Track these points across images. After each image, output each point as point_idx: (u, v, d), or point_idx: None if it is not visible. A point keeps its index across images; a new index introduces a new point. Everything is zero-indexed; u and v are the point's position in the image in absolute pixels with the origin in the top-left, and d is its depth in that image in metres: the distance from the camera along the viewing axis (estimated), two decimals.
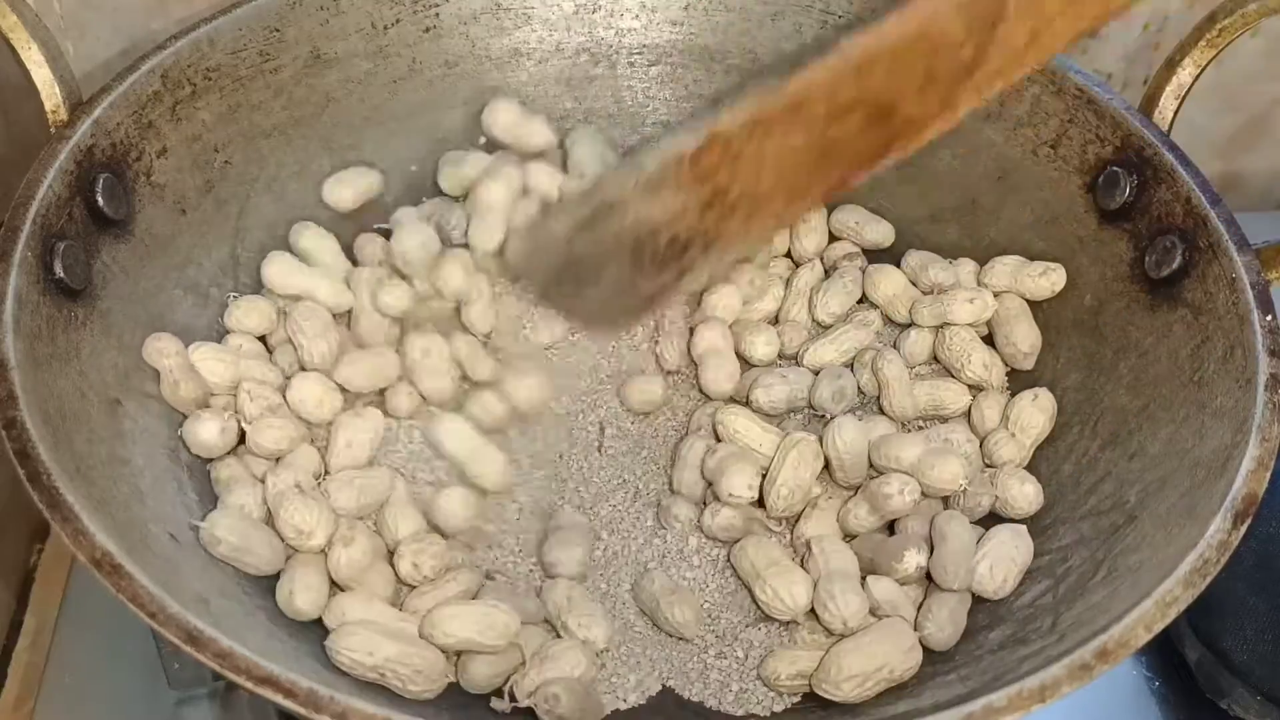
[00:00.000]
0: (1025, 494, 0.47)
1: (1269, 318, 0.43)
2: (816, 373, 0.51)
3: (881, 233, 0.56)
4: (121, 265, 0.46)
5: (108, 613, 0.51)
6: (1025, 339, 0.51)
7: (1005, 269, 0.52)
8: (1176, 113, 0.50)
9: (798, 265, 0.56)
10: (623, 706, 0.42)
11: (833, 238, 0.57)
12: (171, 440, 0.45)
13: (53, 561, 0.55)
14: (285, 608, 0.41)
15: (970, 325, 0.51)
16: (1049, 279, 0.51)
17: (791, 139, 0.35)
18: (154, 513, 0.40)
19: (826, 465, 0.47)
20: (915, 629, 0.42)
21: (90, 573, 0.34)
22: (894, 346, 0.52)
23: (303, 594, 0.41)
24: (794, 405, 0.50)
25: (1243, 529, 0.38)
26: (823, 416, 0.50)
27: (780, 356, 0.53)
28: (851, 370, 0.51)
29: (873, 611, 0.43)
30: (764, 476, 0.46)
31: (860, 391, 0.51)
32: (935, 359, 0.52)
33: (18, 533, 0.56)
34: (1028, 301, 0.52)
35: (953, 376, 0.51)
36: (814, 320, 0.54)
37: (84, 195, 0.44)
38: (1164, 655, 0.52)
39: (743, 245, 0.45)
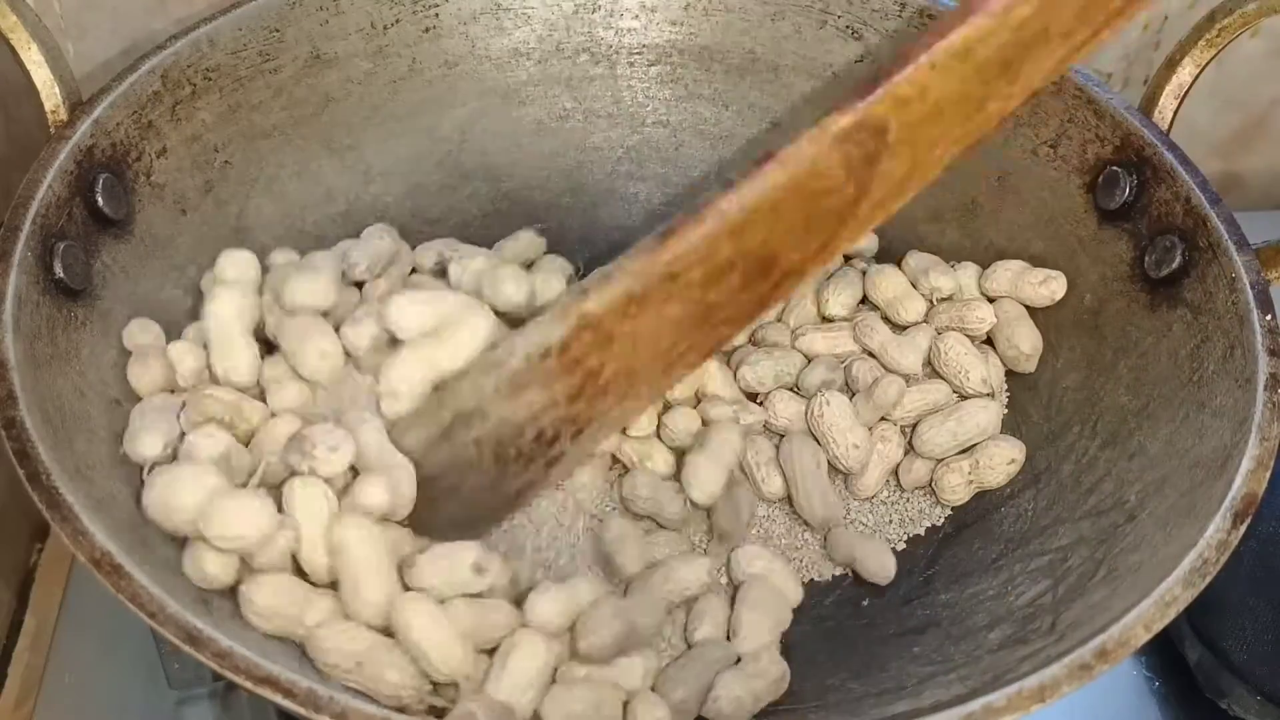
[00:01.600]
0: None
1: (1269, 317, 0.43)
2: (808, 359, 0.52)
3: (867, 241, 0.56)
4: (121, 265, 0.46)
5: (108, 613, 0.51)
6: (1027, 340, 0.51)
7: (1007, 275, 0.52)
8: (1176, 113, 0.50)
9: None
10: None
11: None
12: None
13: (53, 561, 0.55)
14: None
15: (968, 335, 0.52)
16: (1049, 288, 0.51)
17: (667, 310, 0.33)
18: None
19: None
20: None
21: (90, 573, 0.34)
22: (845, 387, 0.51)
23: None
24: (781, 383, 0.51)
25: (1242, 529, 0.38)
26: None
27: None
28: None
29: None
30: None
31: (846, 386, 0.51)
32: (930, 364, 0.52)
33: (18, 533, 0.56)
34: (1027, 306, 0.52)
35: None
36: (822, 316, 0.54)
37: (84, 195, 0.44)
38: (1164, 655, 0.52)
39: (616, 424, 0.42)
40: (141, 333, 0.45)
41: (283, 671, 0.33)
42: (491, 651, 0.40)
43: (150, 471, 0.41)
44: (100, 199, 0.45)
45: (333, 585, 0.40)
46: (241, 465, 0.42)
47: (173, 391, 0.45)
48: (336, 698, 0.32)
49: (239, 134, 0.52)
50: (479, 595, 0.41)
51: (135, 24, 0.59)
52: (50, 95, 0.46)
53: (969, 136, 0.35)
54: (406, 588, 0.40)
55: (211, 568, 0.38)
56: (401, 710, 0.36)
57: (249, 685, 0.32)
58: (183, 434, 0.42)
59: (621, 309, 0.34)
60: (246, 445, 0.43)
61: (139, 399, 0.44)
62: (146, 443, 0.41)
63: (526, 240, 0.55)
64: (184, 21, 0.52)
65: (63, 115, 0.46)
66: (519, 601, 0.41)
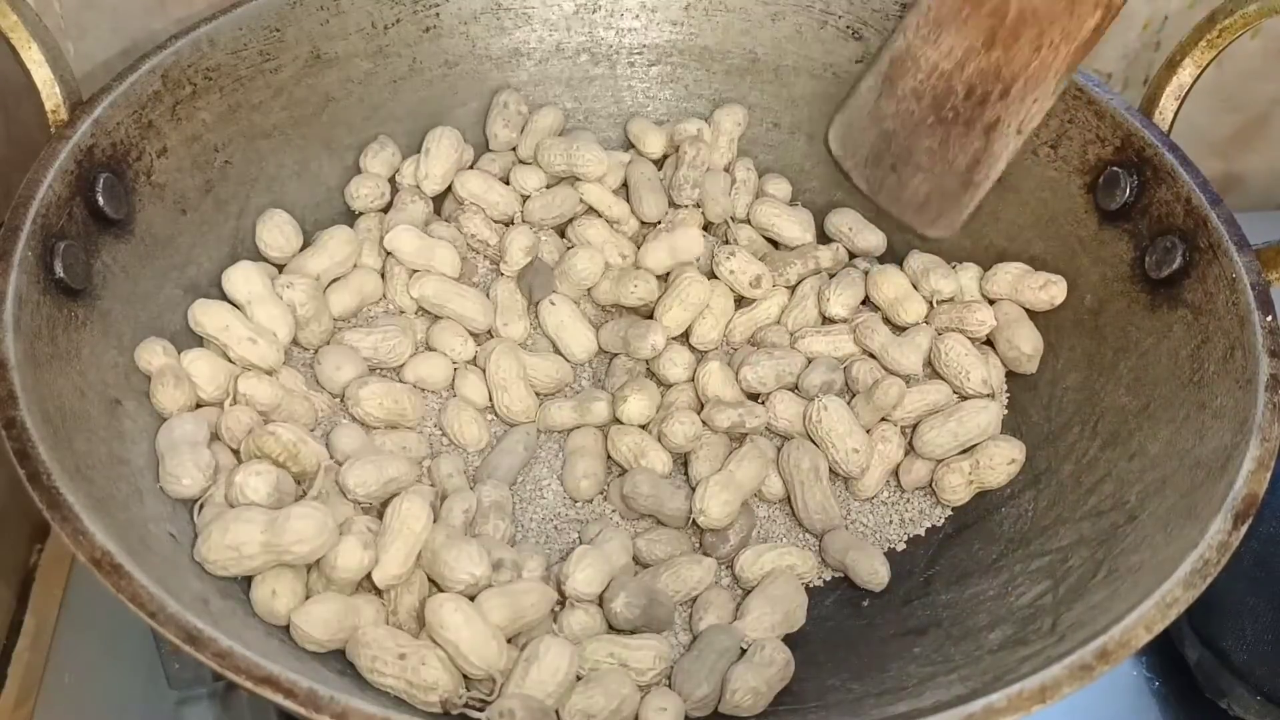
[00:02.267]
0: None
1: (1269, 318, 0.43)
2: (809, 360, 0.52)
3: (874, 241, 0.56)
4: (121, 265, 0.46)
5: (108, 613, 0.51)
6: (1028, 341, 0.51)
7: (1007, 278, 0.52)
8: (1176, 113, 0.50)
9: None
10: None
11: (825, 240, 0.57)
12: None
13: (53, 561, 0.55)
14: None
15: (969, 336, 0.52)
16: (1049, 292, 0.51)
17: None
18: (154, 513, 0.40)
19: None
20: None
21: (90, 573, 0.34)
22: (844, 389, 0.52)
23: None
24: (782, 384, 0.51)
25: (1243, 529, 0.38)
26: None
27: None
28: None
29: None
30: None
31: (846, 387, 0.51)
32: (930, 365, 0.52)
33: (18, 533, 0.55)
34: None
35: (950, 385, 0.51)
36: (823, 316, 0.54)
37: (84, 195, 0.44)
38: (1164, 655, 0.52)
39: (1041, 82, 0.43)
40: (155, 354, 0.45)
41: (283, 671, 0.33)
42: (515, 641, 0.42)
43: (200, 513, 0.41)
44: (100, 199, 0.45)
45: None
46: (288, 490, 0.42)
47: (197, 406, 0.45)
48: (336, 698, 0.32)
49: (239, 134, 0.52)
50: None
51: (135, 24, 0.59)
52: (50, 95, 0.46)
53: None
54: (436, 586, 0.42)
55: (282, 605, 0.39)
56: (442, 707, 0.38)
57: (249, 685, 0.32)
58: (216, 462, 0.43)
59: None
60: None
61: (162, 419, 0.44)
62: (187, 483, 0.41)
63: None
64: (184, 21, 0.52)
65: (63, 115, 0.46)
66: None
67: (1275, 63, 0.70)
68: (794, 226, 0.56)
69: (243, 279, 0.48)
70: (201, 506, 0.41)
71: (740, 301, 0.54)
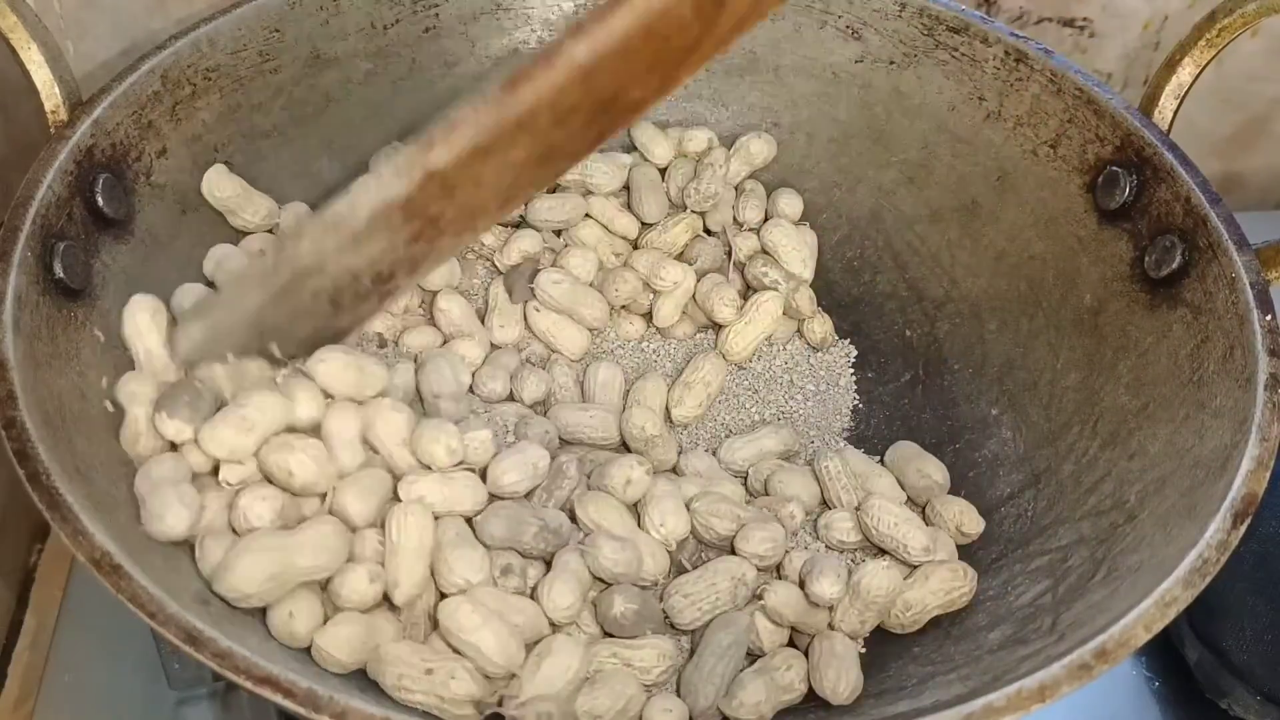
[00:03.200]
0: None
1: (1269, 317, 0.43)
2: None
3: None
4: (121, 265, 0.46)
5: (108, 613, 0.51)
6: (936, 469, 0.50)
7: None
8: (1176, 113, 0.50)
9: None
10: None
11: None
12: None
13: (53, 561, 0.55)
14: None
15: None
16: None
17: (511, 155, 0.34)
18: None
19: None
20: None
21: (90, 573, 0.34)
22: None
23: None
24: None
25: (1242, 529, 0.38)
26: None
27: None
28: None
29: None
30: None
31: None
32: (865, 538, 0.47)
33: (18, 533, 0.56)
34: None
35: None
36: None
37: (84, 195, 0.44)
38: (1164, 655, 0.52)
39: (450, 256, 0.45)
40: (128, 383, 0.43)
41: (283, 671, 0.33)
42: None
43: (203, 547, 0.39)
44: (100, 199, 0.45)
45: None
46: (292, 514, 0.41)
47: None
48: (336, 697, 0.32)
49: (239, 134, 0.52)
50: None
51: (135, 24, 0.59)
52: (50, 95, 0.46)
53: None
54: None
55: (301, 626, 0.39)
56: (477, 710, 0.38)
57: (249, 685, 0.32)
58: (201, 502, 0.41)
59: (467, 160, 0.34)
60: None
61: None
62: (172, 522, 0.39)
63: None
64: (184, 21, 0.52)
65: (63, 115, 0.46)
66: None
67: (1275, 63, 0.70)
68: (795, 260, 0.56)
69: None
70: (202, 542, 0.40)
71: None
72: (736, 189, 0.58)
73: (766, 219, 0.58)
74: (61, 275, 0.42)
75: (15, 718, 0.50)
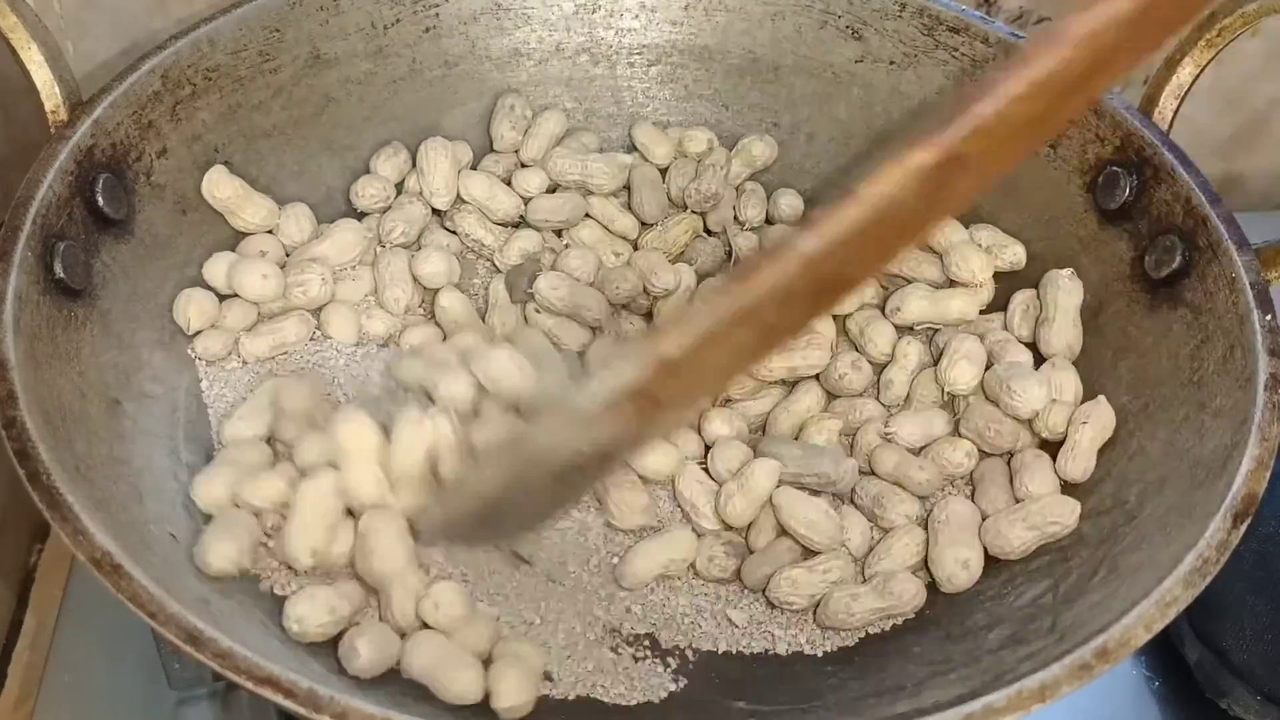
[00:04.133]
0: None
1: (1269, 317, 0.43)
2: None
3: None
4: (121, 265, 0.46)
5: (108, 613, 0.51)
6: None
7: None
8: (1176, 113, 0.50)
9: None
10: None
11: None
12: (171, 440, 0.45)
13: (53, 561, 0.55)
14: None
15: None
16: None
17: (734, 339, 0.35)
18: (154, 513, 0.40)
19: None
20: None
21: (90, 573, 0.34)
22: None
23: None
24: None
25: (1242, 529, 0.38)
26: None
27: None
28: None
29: None
30: None
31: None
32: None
33: (18, 533, 0.56)
34: None
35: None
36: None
37: (84, 195, 0.44)
38: (1164, 655, 0.52)
39: (668, 432, 0.46)
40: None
41: (283, 671, 0.33)
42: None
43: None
44: (100, 199, 0.45)
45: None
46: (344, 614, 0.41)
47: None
48: (337, 698, 0.32)
49: (239, 134, 0.52)
50: None
51: (135, 24, 0.59)
52: (50, 95, 0.46)
53: (1039, 146, 0.35)
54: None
55: (363, 661, 0.39)
56: None
57: (250, 685, 0.32)
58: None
59: (696, 348, 0.35)
60: None
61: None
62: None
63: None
64: (184, 21, 0.52)
65: (63, 115, 0.46)
66: None
67: (1275, 63, 0.70)
68: None
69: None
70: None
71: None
72: (737, 189, 0.58)
73: (768, 220, 0.58)
74: (62, 275, 0.42)
75: (15, 718, 0.50)
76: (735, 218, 0.57)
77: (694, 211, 0.56)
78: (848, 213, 0.33)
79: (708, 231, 0.57)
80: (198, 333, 0.48)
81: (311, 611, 0.39)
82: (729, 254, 0.56)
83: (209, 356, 0.48)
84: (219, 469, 0.43)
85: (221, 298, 0.49)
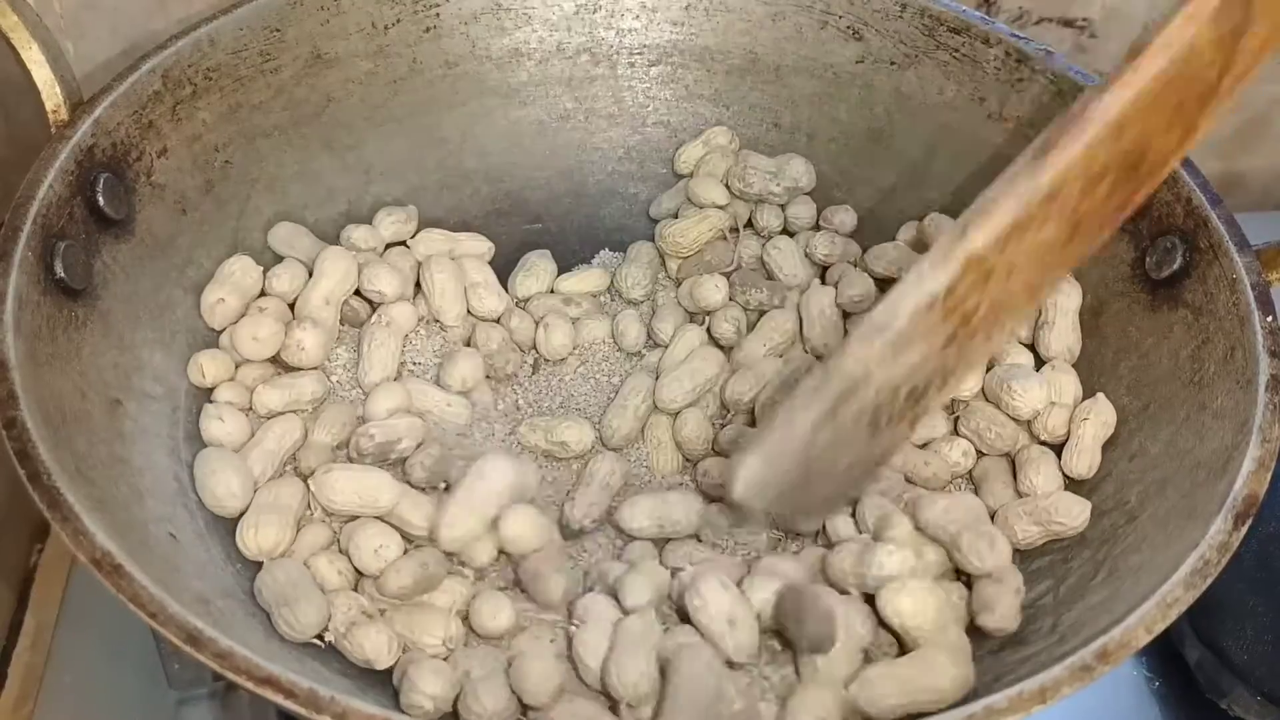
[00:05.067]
0: None
1: (1269, 318, 0.43)
2: None
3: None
4: (121, 265, 0.46)
5: (108, 613, 0.51)
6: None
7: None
8: None
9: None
10: None
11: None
12: (171, 440, 0.45)
13: (53, 561, 0.55)
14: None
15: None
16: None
17: (1042, 233, 0.32)
18: (154, 513, 0.40)
19: None
20: None
21: (90, 573, 0.34)
22: None
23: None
24: None
25: (1243, 530, 0.38)
26: None
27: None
28: None
29: None
30: None
31: None
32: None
33: (18, 533, 0.56)
34: None
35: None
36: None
37: (84, 195, 0.44)
38: (1164, 655, 0.52)
39: (977, 365, 0.41)
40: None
41: (283, 672, 0.33)
42: None
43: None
44: (101, 199, 0.45)
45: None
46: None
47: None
48: (337, 698, 0.32)
49: (239, 134, 0.52)
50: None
51: (135, 24, 0.59)
52: (51, 95, 0.46)
53: None
54: None
55: (424, 698, 0.39)
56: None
57: (250, 686, 0.32)
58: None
59: (1002, 241, 0.32)
60: None
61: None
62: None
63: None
64: (184, 21, 0.52)
65: (63, 115, 0.46)
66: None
67: (1275, 63, 0.70)
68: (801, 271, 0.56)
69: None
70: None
71: None
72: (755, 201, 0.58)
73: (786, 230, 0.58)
74: (62, 275, 0.42)
75: (15, 718, 0.50)
76: (750, 223, 0.57)
77: (736, 196, 0.57)
78: (1145, 63, 0.29)
79: (733, 231, 0.57)
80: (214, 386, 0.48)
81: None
82: (734, 262, 0.56)
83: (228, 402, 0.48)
84: None
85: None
